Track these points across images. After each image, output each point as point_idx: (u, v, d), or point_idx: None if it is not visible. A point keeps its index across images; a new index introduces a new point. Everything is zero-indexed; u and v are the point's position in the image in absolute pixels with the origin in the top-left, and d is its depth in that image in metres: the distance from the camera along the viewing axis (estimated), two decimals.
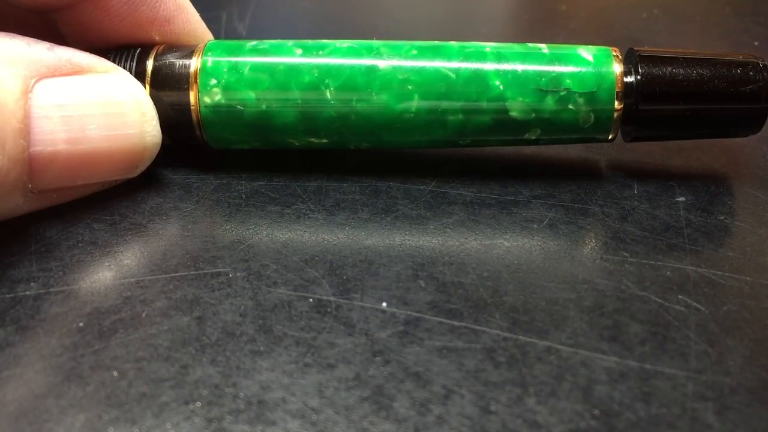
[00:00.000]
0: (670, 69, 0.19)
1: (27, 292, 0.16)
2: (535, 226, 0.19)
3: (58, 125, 0.17)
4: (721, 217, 0.19)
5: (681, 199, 0.20)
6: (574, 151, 0.22)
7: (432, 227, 0.19)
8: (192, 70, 0.20)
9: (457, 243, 0.18)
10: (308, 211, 0.19)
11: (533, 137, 0.20)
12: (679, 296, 0.16)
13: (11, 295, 0.16)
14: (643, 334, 0.15)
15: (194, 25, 0.21)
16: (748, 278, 0.17)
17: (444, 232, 0.18)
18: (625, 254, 0.18)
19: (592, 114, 0.19)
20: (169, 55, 0.20)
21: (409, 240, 0.18)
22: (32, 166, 0.17)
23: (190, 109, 0.20)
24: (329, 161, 0.21)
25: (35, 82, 0.17)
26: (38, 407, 0.13)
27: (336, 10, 0.36)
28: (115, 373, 0.14)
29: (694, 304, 0.16)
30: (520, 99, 0.19)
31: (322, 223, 0.19)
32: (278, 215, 0.19)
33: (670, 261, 0.17)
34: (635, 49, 0.20)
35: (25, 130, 0.16)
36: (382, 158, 0.22)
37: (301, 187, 0.20)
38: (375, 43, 0.20)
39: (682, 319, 0.15)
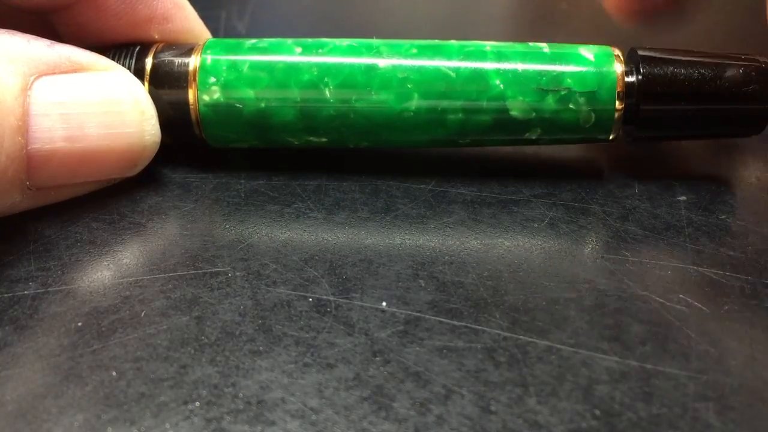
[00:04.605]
0: (671, 69, 0.19)
1: (25, 292, 0.16)
2: (536, 225, 0.19)
3: (57, 123, 0.17)
4: (723, 216, 0.19)
5: (682, 198, 0.20)
6: (574, 150, 0.22)
7: (432, 226, 0.18)
8: (191, 68, 0.20)
9: (457, 242, 0.18)
10: (308, 211, 0.19)
11: (533, 137, 0.20)
12: (681, 296, 0.16)
13: (9, 295, 0.16)
14: (644, 334, 0.15)
15: (192, 23, 0.21)
16: (749, 278, 0.17)
17: (444, 231, 0.18)
18: (626, 253, 0.17)
19: (593, 114, 0.19)
20: (168, 53, 0.20)
21: (409, 239, 0.18)
22: (30, 164, 0.17)
23: (188, 107, 0.20)
24: (329, 160, 0.21)
25: (34, 80, 0.17)
26: (37, 407, 0.13)
27: (336, 9, 0.36)
28: (114, 373, 0.14)
29: (696, 303, 0.16)
30: (521, 98, 0.19)
31: (322, 223, 0.19)
32: (278, 214, 0.19)
33: (672, 260, 0.17)
34: (636, 48, 0.20)
35: (24, 127, 0.16)
36: (381, 157, 0.22)
37: (300, 186, 0.20)
38: (375, 41, 0.20)
39: (683, 319, 0.15)
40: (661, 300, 0.16)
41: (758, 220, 0.19)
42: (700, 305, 0.16)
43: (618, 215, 0.19)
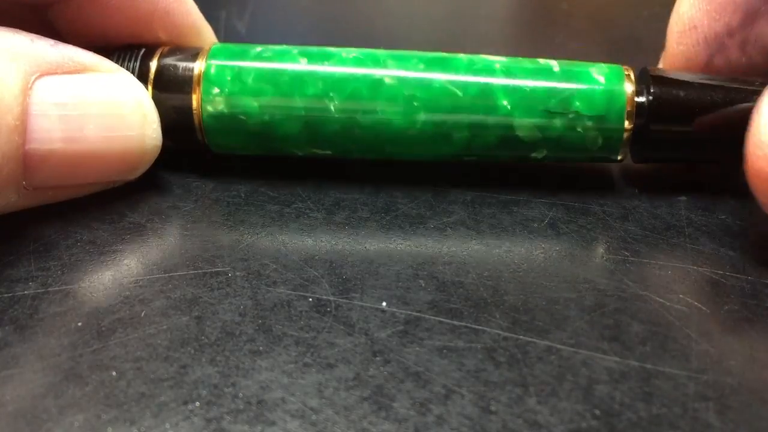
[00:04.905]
0: (682, 91, 0.19)
1: (25, 292, 0.16)
2: (536, 225, 0.19)
3: (56, 123, 0.17)
4: (723, 216, 0.19)
5: (682, 198, 0.20)
6: None
7: (432, 226, 0.18)
8: (195, 73, 0.19)
9: (457, 242, 0.18)
10: (308, 210, 0.19)
11: (540, 156, 0.19)
12: (680, 296, 0.16)
13: (9, 295, 0.16)
14: (644, 334, 0.15)
15: (194, 18, 0.21)
16: (749, 278, 0.17)
17: (444, 231, 0.18)
18: (626, 253, 0.17)
19: (600, 137, 0.19)
20: (173, 57, 0.20)
21: (409, 239, 0.18)
22: (27, 164, 0.17)
23: (192, 113, 0.19)
24: (329, 161, 0.21)
25: (36, 79, 0.17)
26: (37, 407, 0.13)
27: (335, 9, 0.36)
28: (114, 373, 0.14)
29: (696, 303, 0.16)
30: (528, 119, 0.19)
31: (322, 223, 0.19)
32: (278, 214, 0.19)
33: (672, 260, 0.17)
34: (648, 69, 0.19)
35: (21, 127, 0.16)
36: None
37: (300, 186, 0.20)
38: (381, 53, 0.19)
39: (683, 319, 0.15)
40: (661, 300, 0.16)
41: (758, 220, 0.19)
42: (700, 305, 0.16)
43: (618, 215, 0.19)
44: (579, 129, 0.19)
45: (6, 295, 0.16)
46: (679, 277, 0.17)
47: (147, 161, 0.19)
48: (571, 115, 0.19)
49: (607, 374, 0.14)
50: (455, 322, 0.15)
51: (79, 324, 0.15)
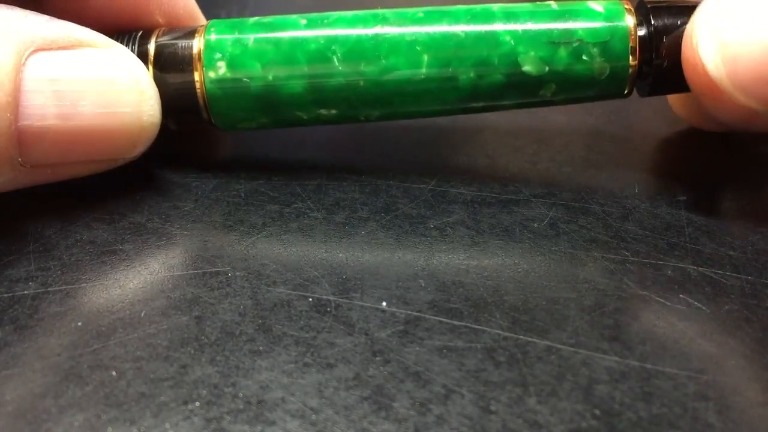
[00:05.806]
0: (684, 19, 0.18)
1: (25, 292, 0.16)
2: (536, 225, 0.19)
3: (50, 100, 0.17)
4: (723, 216, 0.19)
5: (682, 197, 0.20)
6: (575, 150, 0.22)
7: (432, 226, 0.18)
8: (195, 49, 0.19)
9: (457, 242, 0.18)
10: (307, 210, 0.19)
11: (548, 95, 0.19)
12: (681, 296, 0.16)
13: (9, 295, 0.16)
14: (644, 334, 0.15)
15: (193, 6, 0.21)
16: (749, 278, 0.17)
17: (444, 231, 0.18)
18: (626, 253, 0.17)
19: (607, 65, 0.19)
20: (171, 36, 0.20)
21: (409, 239, 0.18)
22: (21, 141, 0.16)
23: (195, 89, 0.19)
24: (329, 160, 0.21)
25: (29, 55, 0.16)
26: (37, 407, 0.13)
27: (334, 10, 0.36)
28: (114, 373, 0.14)
29: (696, 303, 0.16)
30: (532, 53, 0.19)
31: (322, 222, 0.19)
32: (278, 214, 0.19)
33: (672, 260, 0.17)
34: (646, 0, 0.19)
35: (13, 103, 0.16)
36: (381, 157, 0.22)
37: (300, 186, 0.20)
38: (380, 11, 0.20)
39: (683, 319, 0.15)
40: (661, 300, 0.16)
41: (758, 220, 0.19)
42: (700, 305, 0.16)
43: (618, 215, 0.19)
44: (585, 57, 0.19)
45: (6, 294, 0.16)
46: (679, 276, 0.17)
47: (146, 138, 0.19)
48: (575, 44, 0.19)
49: (607, 374, 0.14)
50: (455, 322, 0.15)
51: (79, 324, 0.15)
